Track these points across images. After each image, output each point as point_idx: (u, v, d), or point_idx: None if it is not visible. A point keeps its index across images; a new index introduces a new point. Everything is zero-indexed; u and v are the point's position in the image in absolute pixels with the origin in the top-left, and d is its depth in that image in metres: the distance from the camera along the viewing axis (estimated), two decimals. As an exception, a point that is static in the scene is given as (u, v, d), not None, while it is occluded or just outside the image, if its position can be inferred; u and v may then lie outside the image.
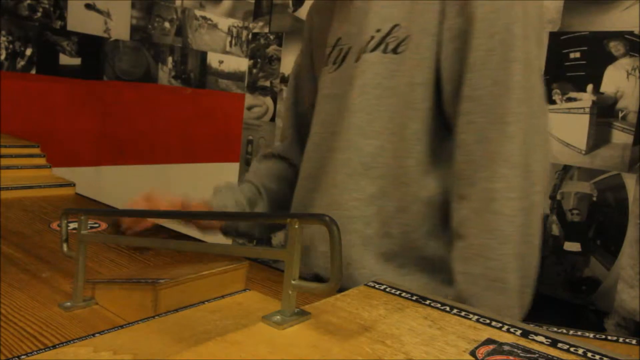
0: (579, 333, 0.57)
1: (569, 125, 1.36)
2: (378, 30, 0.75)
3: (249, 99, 2.29)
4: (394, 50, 0.73)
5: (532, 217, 0.67)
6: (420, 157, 0.73)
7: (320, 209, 0.79)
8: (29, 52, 1.63)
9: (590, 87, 1.33)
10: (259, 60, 2.28)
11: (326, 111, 0.83)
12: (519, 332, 0.42)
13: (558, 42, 1.37)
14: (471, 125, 0.68)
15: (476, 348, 0.39)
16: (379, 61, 0.74)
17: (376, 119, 0.74)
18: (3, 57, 1.57)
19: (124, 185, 1.90)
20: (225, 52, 2.35)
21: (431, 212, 0.74)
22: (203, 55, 2.25)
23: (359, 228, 0.75)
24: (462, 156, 0.69)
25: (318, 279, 0.79)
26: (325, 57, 0.85)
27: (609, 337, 0.55)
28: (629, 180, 1.27)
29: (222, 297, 0.58)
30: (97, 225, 0.90)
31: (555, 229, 1.39)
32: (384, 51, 0.74)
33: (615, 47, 1.29)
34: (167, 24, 2.06)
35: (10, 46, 1.59)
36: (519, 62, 0.66)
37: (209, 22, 2.26)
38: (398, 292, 0.49)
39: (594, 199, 1.33)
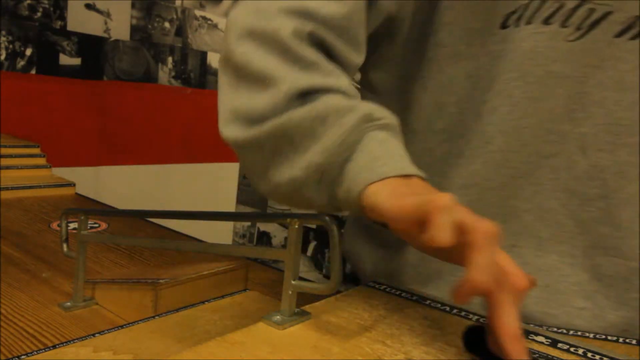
0: (579, 333, 0.57)
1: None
2: None
3: (249, 99, 2.28)
4: None
5: None
6: None
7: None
8: (29, 52, 1.63)
9: (590, 87, 1.32)
10: (259, 60, 2.28)
11: (556, 97, 0.56)
12: (519, 332, 0.42)
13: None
14: None
15: (476, 348, 0.39)
16: None
17: None
18: (3, 57, 1.57)
19: (124, 185, 1.90)
20: (225, 52, 2.34)
21: None
22: (203, 55, 2.25)
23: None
24: None
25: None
26: (537, 12, 0.55)
27: (609, 337, 0.55)
28: (629, 180, 1.27)
29: (222, 297, 0.58)
30: (97, 225, 0.90)
31: (555, 229, 1.39)
32: None
33: (615, 47, 1.29)
34: (167, 24, 2.06)
35: (10, 46, 1.59)
36: None
37: (209, 22, 2.25)
38: (398, 292, 0.49)
39: (594, 199, 1.33)
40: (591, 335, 0.56)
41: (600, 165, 0.56)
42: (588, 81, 0.55)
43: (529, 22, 0.55)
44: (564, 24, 0.55)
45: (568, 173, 0.57)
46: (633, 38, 0.54)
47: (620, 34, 0.54)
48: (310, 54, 0.50)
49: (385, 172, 0.43)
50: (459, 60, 0.58)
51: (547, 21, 0.55)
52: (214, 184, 2.24)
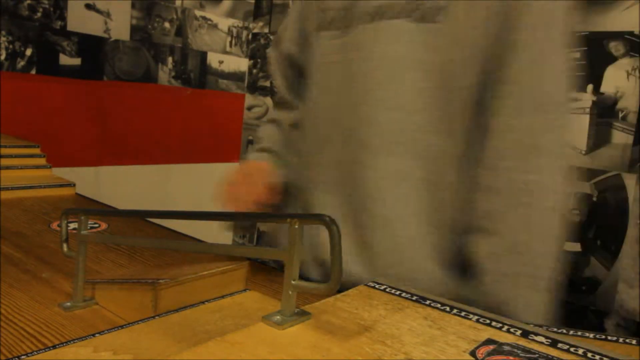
0: (579, 333, 0.57)
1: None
2: None
3: (249, 99, 2.29)
4: (432, 20, 0.62)
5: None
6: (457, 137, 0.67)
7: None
8: (29, 52, 1.63)
9: (590, 87, 1.33)
10: (259, 60, 2.28)
11: (335, 81, 0.73)
12: (519, 332, 0.42)
13: (558, 42, 1.37)
14: (506, 109, 0.63)
15: (476, 348, 0.39)
16: (406, 30, 0.64)
17: (401, 94, 0.66)
18: (3, 57, 1.57)
19: (124, 185, 1.90)
20: (225, 52, 2.35)
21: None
22: (203, 55, 2.25)
23: (379, 211, 0.69)
24: (492, 141, 0.64)
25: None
26: (326, 21, 0.74)
27: (609, 337, 0.55)
28: (629, 180, 1.27)
29: (222, 297, 0.58)
30: (97, 225, 0.90)
31: (555, 229, 1.39)
32: (417, 20, 0.63)
33: (615, 47, 1.29)
34: (167, 24, 2.06)
35: (10, 46, 1.59)
36: None
37: (209, 22, 2.25)
38: (398, 292, 0.49)
39: (594, 199, 1.33)
40: (591, 336, 0.56)
41: None
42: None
43: (327, 29, 0.74)
44: (329, 27, 0.74)
45: None
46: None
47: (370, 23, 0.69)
48: None
49: None
50: None
51: (330, 25, 0.74)
52: (214, 184, 2.24)
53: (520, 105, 0.62)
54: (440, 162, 0.67)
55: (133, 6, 1.89)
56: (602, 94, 1.31)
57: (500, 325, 0.43)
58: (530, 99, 0.62)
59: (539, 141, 0.63)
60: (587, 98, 1.33)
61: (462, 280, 0.69)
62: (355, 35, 0.70)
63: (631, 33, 1.26)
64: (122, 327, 0.50)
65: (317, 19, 0.77)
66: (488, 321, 0.44)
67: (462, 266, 0.68)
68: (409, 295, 0.48)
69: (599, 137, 1.31)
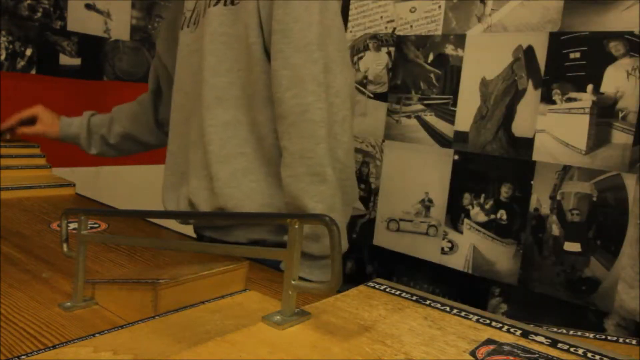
0: (579, 333, 0.57)
1: (569, 125, 1.36)
2: None
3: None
4: (232, 2, 0.87)
5: (335, 117, 0.82)
6: (262, 87, 0.86)
7: (191, 136, 0.93)
8: (29, 52, 1.63)
9: (590, 87, 1.33)
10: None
11: (192, 63, 0.94)
12: (519, 332, 0.42)
13: (558, 42, 1.37)
14: (279, 53, 0.81)
15: (476, 348, 0.39)
16: (220, 13, 0.88)
17: (223, 60, 0.88)
18: (3, 57, 1.57)
19: (124, 185, 1.90)
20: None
21: (275, 128, 0.85)
22: (203, 55, 2.25)
23: (215, 150, 0.87)
24: (274, 80, 0.82)
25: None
26: (186, 20, 0.98)
27: (609, 337, 0.55)
28: (629, 180, 1.27)
29: (222, 297, 0.58)
30: (97, 225, 0.90)
31: (555, 229, 1.39)
32: (225, 4, 0.88)
33: (615, 47, 1.29)
34: (167, 24, 2.05)
35: (10, 46, 1.59)
36: (317, 5, 0.81)
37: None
38: (398, 292, 0.49)
39: (594, 199, 1.33)
40: (591, 336, 0.56)
41: None
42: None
43: (187, 26, 0.98)
44: (188, 24, 0.98)
45: None
46: (204, 15, 0.91)
47: (204, 15, 0.91)
48: None
49: None
50: None
51: (188, 24, 0.97)
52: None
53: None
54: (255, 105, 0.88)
55: (133, 6, 1.89)
56: (602, 94, 1.31)
57: (500, 325, 0.43)
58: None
59: (308, 73, 0.82)
60: (587, 98, 1.33)
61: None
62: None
63: (631, 33, 1.26)
64: (122, 327, 0.50)
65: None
66: (488, 321, 0.44)
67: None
68: (409, 295, 0.48)
69: (599, 137, 1.31)
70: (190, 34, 0.97)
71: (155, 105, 1.27)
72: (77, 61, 1.75)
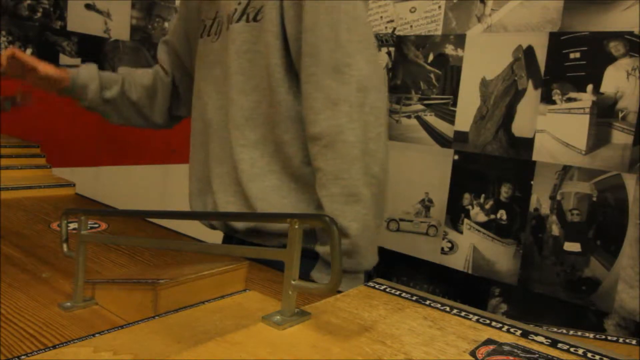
0: (579, 333, 0.57)
1: (569, 125, 1.36)
2: (239, 3, 0.89)
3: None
4: (254, 19, 0.87)
5: (370, 135, 0.80)
6: (286, 108, 0.87)
7: (214, 148, 0.95)
8: (29, 52, 1.63)
9: (590, 87, 1.33)
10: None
11: (215, 75, 0.95)
12: (519, 332, 0.42)
13: (558, 42, 1.38)
14: (312, 77, 0.81)
15: (476, 348, 0.39)
16: (244, 30, 0.88)
17: (250, 78, 0.88)
18: (3, 57, 1.57)
19: (124, 185, 1.90)
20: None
21: (302, 147, 0.87)
22: (203, 55, 2.25)
23: (247, 168, 0.89)
24: (306, 102, 0.82)
25: None
26: (207, 29, 0.98)
27: (609, 337, 0.55)
28: (629, 180, 1.27)
29: (222, 297, 0.58)
30: (97, 225, 0.90)
31: (555, 229, 1.39)
32: (247, 20, 0.87)
33: (615, 47, 1.29)
34: (167, 24, 2.06)
35: (10, 46, 1.59)
36: (344, 22, 0.79)
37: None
38: (398, 292, 0.49)
39: (594, 199, 1.33)
40: (591, 336, 0.56)
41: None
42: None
43: (208, 35, 0.98)
44: (209, 33, 0.98)
45: None
46: (227, 29, 0.91)
47: (227, 29, 0.91)
48: None
49: None
50: None
51: (208, 32, 0.98)
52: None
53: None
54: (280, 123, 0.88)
55: (133, 6, 1.89)
56: (602, 94, 1.31)
57: (500, 325, 0.43)
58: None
59: (339, 94, 0.80)
60: (587, 98, 1.33)
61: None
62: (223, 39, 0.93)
63: (631, 33, 1.26)
64: (122, 327, 0.50)
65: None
66: (488, 321, 0.44)
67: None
68: (409, 295, 0.48)
69: (599, 137, 1.31)
70: (211, 43, 0.97)
71: (173, 92, 1.20)
72: (77, 61, 1.75)
